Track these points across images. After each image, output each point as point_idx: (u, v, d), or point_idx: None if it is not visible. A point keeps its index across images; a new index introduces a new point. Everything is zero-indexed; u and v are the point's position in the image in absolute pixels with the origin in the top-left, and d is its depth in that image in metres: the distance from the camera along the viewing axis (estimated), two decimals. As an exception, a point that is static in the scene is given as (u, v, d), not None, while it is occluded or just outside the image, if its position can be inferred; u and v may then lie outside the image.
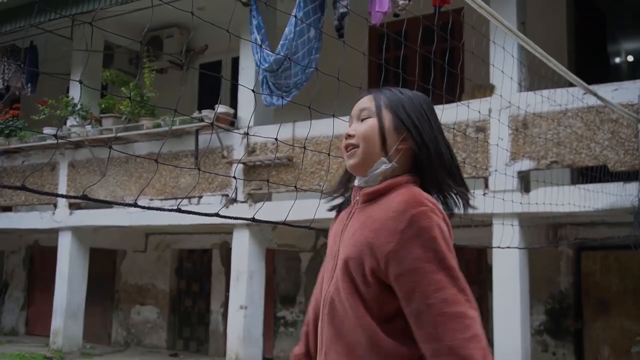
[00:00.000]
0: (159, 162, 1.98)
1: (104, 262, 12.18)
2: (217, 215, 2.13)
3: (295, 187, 2.45)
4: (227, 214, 2.23)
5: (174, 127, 8.85)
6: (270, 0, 8.56)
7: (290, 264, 10.55)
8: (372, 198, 1.67)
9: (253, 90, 2.24)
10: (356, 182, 1.74)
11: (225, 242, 10.84)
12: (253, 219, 2.19)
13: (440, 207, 1.62)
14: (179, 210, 2.05)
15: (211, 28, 2.50)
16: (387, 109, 1.69)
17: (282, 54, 7.61)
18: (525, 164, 6.91)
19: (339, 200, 1.85)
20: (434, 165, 1.66)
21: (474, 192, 1.82)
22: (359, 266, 1.57)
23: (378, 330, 1.54)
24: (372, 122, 1.68)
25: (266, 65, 7.90)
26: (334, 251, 1.72)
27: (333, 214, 1.87)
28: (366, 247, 1.57)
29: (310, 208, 2.57)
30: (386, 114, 1.68)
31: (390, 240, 1.52)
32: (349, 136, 1.71)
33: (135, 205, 1.97)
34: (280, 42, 7.72)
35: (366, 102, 1.73)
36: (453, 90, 7.49)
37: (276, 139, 2.41)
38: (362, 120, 1.71)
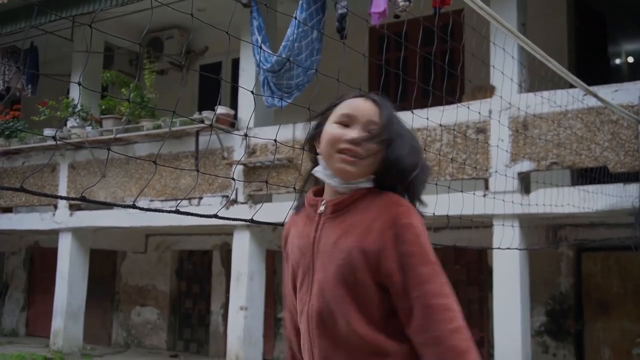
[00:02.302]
0: (159, 164, 1.98)
1: (104, 263, 12.19)
2: (216, 216, 2.13)
3: (294, 188, 2.45)
4: (227, 215, 2.23)
5: (174, 128, 8.85)
6: (270, 1, 8.57)
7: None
8: (342, 207, 1.68)
9: (252, 92, 2.24)
10: (327, 191, 1.72)
11: (226, 243, 10.84)
12: (252, 220, 2.19)
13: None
14: (178, 212, 2.05)
15: (211, 29, 2.50)
16: (393, 138, 1.66)
17: (284, 55, 7.61)
18: (526, 165, 6.91)
19: (300, 202, 1.83)
20: (399, 180, 1.68)
21: (474, 193, 1.84)
22: (351, 273, 1.59)
23: (376, 332, 1.56)
24: (379, 144, 1.64)
25: (268, 65, 7.91)
26: (306, 264, 1.69)
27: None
28: (356, 252, 1.59)
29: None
30: (391, 143, 1.66)
31: (378, 240, 1.57)
32: (355, 143, 1.65)
33: (134, 206, 1.97)
34: (283, 43, 7.72)
35: (374, 115, 1.68)
36: (453, 91, 7.50)
37: (275, 140, 2.41)
38: (368, 132, 1.66)
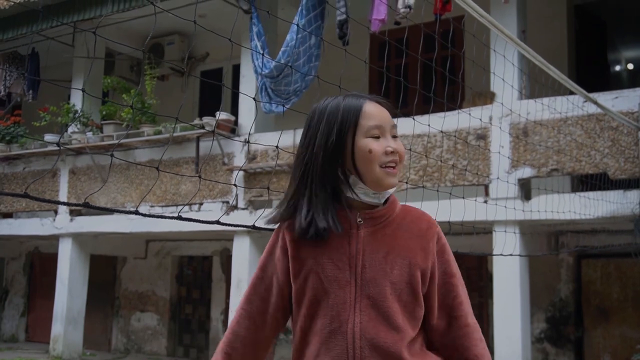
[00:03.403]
0: (160, 170, 1.98)
1: (104, 268, 12.18)
2: (217, 222, 2.13)
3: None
4: (228, 221, 2.23)
5: (174, 134, 8.86)
6: (270, 8, 8.59)
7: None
8: (383, 220, 1.69)
9: (254, 99, 2.24)
10: (365, 199, 1.67)
11: (226, 248, 10.84)
12: (253, 227, 2.19)
13: None
14: (179, 218, 2.05)
15: (212, 35, 2.51)
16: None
17: (283, 60, 7.63)
18: (526, 172, 6.91)
19: (323, 224, 1.65)
20: None
21: (475, 200, 1.87)
22: (409, 288, 1.64)
23: (416, 338, 1.66)
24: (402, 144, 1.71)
25: (267, 71, 7.92)
26: (344, 278, 1.63)
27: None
28: (414, 269, 1.65)
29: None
30: None
31: (430, 255, 1.68)
32: (392, 152, 1.65)
33: (136, 212, 1.97)
34: (282, 49, 7.74)
35: (391, 118, 1.70)
36: (454, 98, 7.52)
37: (277, 146, 2.42)
38: (393, 137, 1.68)
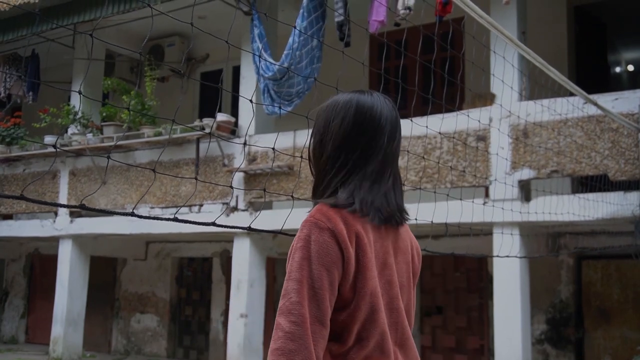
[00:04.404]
0: (158, 172, 1.98)
1: (104, 270, 12.18)
2: (214, 224, 2.13)
3: (291, 196, 2.45)
4: (227, 223, 2.23)
5: (174, 136, 8.86)
6: (270, 10, 8.59)
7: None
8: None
9: (251, 101, 2.24)
10: None
11: (226, 250, 10.84)
12: (249, 228, 2.19)
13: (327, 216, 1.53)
14: (179, 220, 2.05)
15: (212, 37, 2.51)
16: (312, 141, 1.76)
17: (286, 63, 7.63)
18: (526, 173, 6.91)
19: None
20: None
21: (474, 201, 1.84)
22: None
23: None
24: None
25: (270, 73, 7.92)
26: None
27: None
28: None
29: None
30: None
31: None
32: None
33: (135, 214, 1.97)
34: (285, 52, 7.74)
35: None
36: (453, 99, 7.51)
37: (273, 148, 2.42)
38: None
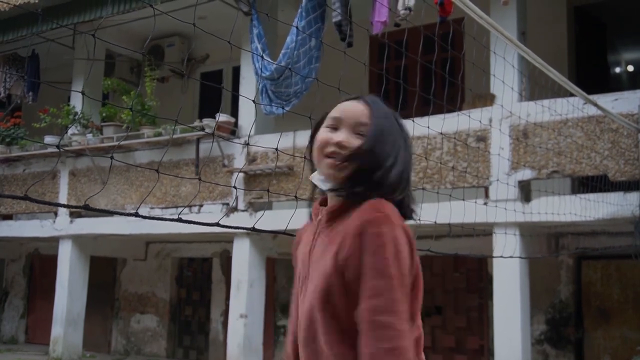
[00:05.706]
0: (160, 172, 1.98)
1: (104, 270, 12.18)
2: (217, 224, 2.13)
3: (295, 196, 2.45)
4: (228, 223, 2.24)
5: (174, 136, 8.86)
6: (270, 10, 8.59)
7: (290, 272, 10.53)
8: (335, 216, 1.63)
9: (254, 101, 2.24)
10: (329, 199, 1.68)
11: (226, 250, 10.84)
12: (253, 229, 2.19)
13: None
14: (179, 220, 2.05)
15: (212, 37, 2.51)
16: (378, 141, 1.61)
17: (283, 63, 7.63)
18: (526, 174, 6.91)
19: (310, 210, 1.77)
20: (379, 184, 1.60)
21: (475, 202, 1.83)
22: (328, 285, 1.53)
23: (344, 346, 1.50)
24: (367, 147, 1.60)
25: (267, 73, 7.92)
26: (303, 274, 1.66)
27: None
28: (331, 263, 1.54)
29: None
30: (376, 148, 1.61)
31: (348, 250, 1.51)
32: (341, 146, 1.60)
33: (136, 215, 1.97)
34: (282, 51, 7.74)
35: (363, 115, 1.63)
36: (454, 99, 7.52)
37: (276, 149, 2.42)
38: (356, 134, 1.62)
